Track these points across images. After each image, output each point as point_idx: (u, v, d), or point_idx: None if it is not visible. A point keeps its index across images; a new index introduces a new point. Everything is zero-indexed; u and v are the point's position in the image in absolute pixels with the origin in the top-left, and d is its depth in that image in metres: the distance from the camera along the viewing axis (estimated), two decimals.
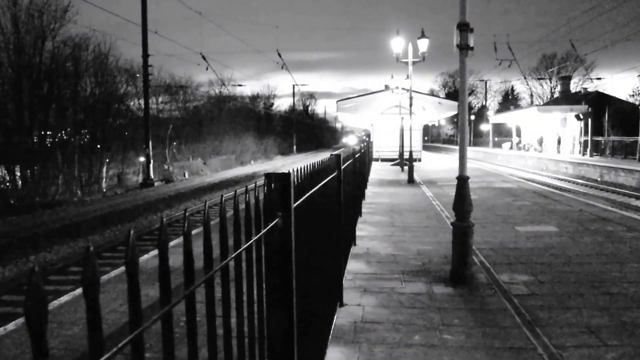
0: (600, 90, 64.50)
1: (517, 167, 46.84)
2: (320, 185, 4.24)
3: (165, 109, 54.91)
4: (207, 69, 37.79)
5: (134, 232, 1.21)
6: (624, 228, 10.91)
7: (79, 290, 6.87)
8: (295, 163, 50.32)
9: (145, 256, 8.95)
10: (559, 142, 50.80)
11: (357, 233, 10.61)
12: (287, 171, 2.65)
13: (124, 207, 22.97)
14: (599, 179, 33.31)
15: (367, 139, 39.58)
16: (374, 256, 8.76)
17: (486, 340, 5.17)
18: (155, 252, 8.34)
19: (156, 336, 1.33)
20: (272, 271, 2.53)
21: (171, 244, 9.75)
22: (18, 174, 27.82)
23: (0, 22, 29.11)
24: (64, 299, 6.77)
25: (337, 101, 43.21)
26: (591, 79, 65.05)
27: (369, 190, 18.92)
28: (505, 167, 48.17)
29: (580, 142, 47.84)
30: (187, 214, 1.46)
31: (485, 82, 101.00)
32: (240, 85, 65.79)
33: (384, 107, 39.87)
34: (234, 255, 1.95)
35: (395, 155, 35.50)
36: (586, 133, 45.56)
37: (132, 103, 45.77)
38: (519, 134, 65.06)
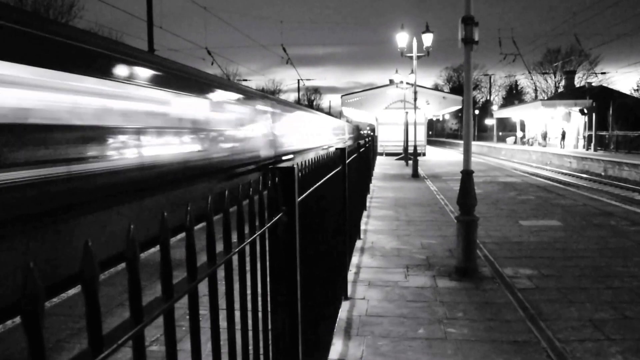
0: (605, 84, 64.21)
1: (521, 162, 46.79)
2: (324, 179, 4.25)
3: None
4: (212, 63, 37.69)
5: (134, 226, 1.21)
6: (628, 222, 10.89)
7: None
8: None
9: (153, 249, 8.97)
10: (563, 136, 50.66)
11: (362, 227, 10.63)
12: (292, 165, 2.65)
13: None
14: (602, 174, 33.22)
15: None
16: (378, 250, 8.77)
17: (490, 334, 5.18)
18: None
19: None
20: (276, 265, 2.54)
21: (175, 238, 9.77)
22: None
23: None
24: (72, 291, 6.79)
25: (342, 96, 43.21)
26: (595, 73, 64.81)
27: (374, 185, 18.92)
28: (510, 161, 48.12)
29: (584, 137, 47.71)
30: (189, 207, 1.46)
31: (490, 77, 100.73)
32: (246, 80, 65.58)
33: (388, 101, 39.84)
34: (237, 249, 1.96)
35: (400, 149, 35.46)
36: (590, 127, 45.40)
37: None
38: (523, 129, 64.91)
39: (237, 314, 2.03)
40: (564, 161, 40.67)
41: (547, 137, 55.64)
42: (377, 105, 40.39)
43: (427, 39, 22.36)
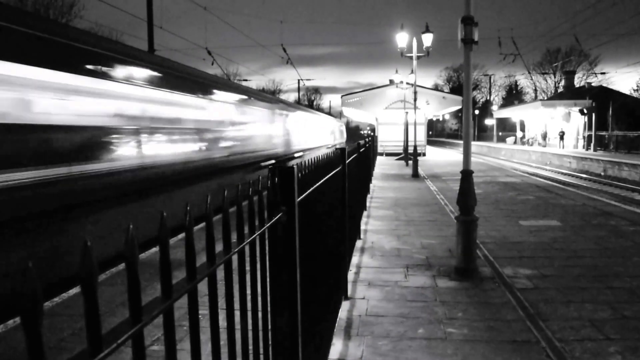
0: (605, 84, 64.21)
1: (520, 162, 46.81)
2: (324, 179, 4.25)
3: None
4: (212, 64, 37.67)
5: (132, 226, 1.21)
6: (627, 222, 10.89)
7: None
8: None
9: (154, 249, 8.98)
10: (561, 136, 50.64)
11: (362, 227, 10.63)
12: (291, 165, 2.65)
13: None
14: (602, 174, 33.23)
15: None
16: (378, 250, 8.78)
17: (490, 334, 5.18)
18: None
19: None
20: (276, 265, 2.54)
21: (174, 238, 9.78)
22: None
23: None
24: (72, 291, 6.80)
25: (342, 96, 43.22)
26: (595, 73, 64.80)
27: (374, 184, 18.93)
28: (509, 161, 48.13)
29: (584, 137, 47.73)
30: (188, 207, 1.47)
31: (490, 77, 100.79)
32: (246, 80, 65.60)
33: (388, 101, 39.88)
34: (237, 249, 1.96)
35: (400, 149, 35.46)
36: (590, 128, 45.41)
37: None
38: (523, 129, 64.96)
39: (237, 314, 2.04)
40: (563, 161, 40.69)
41: (547, 137, 55.66)
42: (377, 105, 40.41)
43: (427, 39, 22.39)
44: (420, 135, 35.75)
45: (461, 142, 7.94)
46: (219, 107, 14.65)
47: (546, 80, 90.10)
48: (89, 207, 7.98)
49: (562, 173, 35.43)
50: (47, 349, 0.89)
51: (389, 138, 39.49)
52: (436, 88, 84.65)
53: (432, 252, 8.59)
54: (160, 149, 10.66)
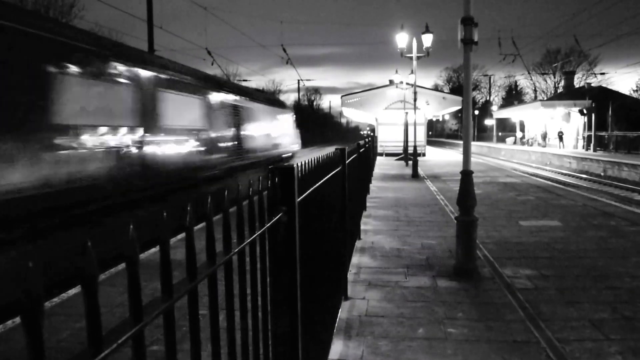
0: (604, 85, 64.18)
1: (520, 162, 46.83)
2: (324, 179, 4.25)
3: None
4: (212, 64, 37.64)
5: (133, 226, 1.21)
6: (627, 222, 10.89)
7: None
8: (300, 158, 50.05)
9: (153, 249, 8.97)
10: (560, 137, 50.62)
11: (362, 227, 10.62)
12: (292, 165, 2.65)
13: None
14: (602, 174, 33.24)
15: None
16: (378, 250, 8.77)
17: (490, 334, 5.18)
18: None
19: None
20: (276, 265, 2.54)
21: (175, 239, 9.77)
22: None
23: None
24: (72, 291, 6.79)
25: (342, 96, 43.22)
26: (595, 74, 64.74)
27: (374, 185, 18.91)
28: (509, 161, 48.15)
29: (583, 137, 47.74)
30: (189, 207, 1.47)
31: (490, 77, 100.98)
32: (246, 80, 65.59)
33: (388, 102, 39.88)
34: (237, 249, 1.96)
35: (400, 149, 35.46)
36: (590, 128, 45.43)
37: None
38: (522, 129, 64.97)
39: (237, 314, 2.03)
40: (563, 161, 40.70)
41: (547, 137, 55.68)
42: (377, 106, 40.40)
43: (427, 39, 22.39)
44: (420, 135, 35.74)
45: (461, 142, 7.95)
46: None
47: (546, 81, 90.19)
48: None
49: (562, 173, 35.46)
50: (47, 349, 0.89)
51: (388, 138, 39.47)
52: (436, 88, 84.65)
53: (432, 252, 8.59)
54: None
